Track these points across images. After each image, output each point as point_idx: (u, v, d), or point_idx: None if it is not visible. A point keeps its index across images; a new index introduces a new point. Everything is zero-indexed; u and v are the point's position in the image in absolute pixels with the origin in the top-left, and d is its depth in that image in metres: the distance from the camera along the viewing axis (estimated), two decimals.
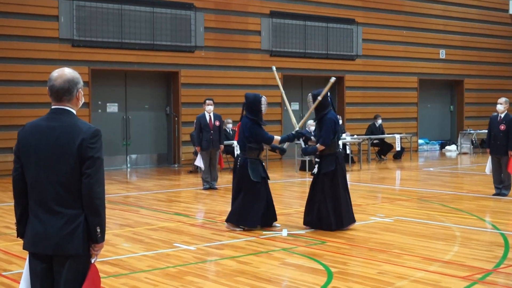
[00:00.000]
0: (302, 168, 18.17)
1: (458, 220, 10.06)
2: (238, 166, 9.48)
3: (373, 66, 24.41)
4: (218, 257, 7.77)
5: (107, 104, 19.39)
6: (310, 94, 9.57)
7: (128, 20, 18.85)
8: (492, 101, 15.06)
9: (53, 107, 3.97)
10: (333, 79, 9.53)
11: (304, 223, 9.51)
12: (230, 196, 9.81)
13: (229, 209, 9.84)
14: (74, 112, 3.99)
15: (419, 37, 25.73)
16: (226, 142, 16.35)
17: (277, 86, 21.66)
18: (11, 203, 4.09)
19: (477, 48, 27.66)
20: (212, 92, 19.67)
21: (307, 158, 17.85)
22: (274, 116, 21.96)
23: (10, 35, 17.24)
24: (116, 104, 19.56)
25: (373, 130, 21.99)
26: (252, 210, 9.32)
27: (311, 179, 9.61)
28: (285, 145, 9.80)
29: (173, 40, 19.72)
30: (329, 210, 9.18)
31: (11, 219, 9.94)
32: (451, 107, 28.12)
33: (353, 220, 9.38)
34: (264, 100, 9.62)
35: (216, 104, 14.98)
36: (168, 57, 19.65)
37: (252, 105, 9.55)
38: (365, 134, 21.92)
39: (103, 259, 7.56)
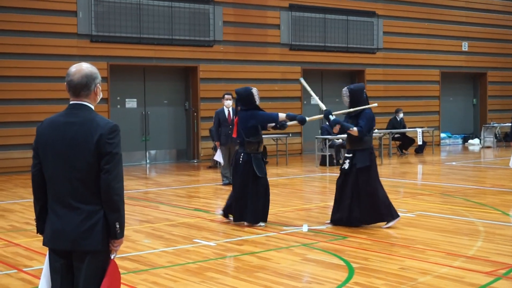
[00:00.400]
0: (323, 163, 18.13)
1: (481, 215, 9.99)
2: (241, 162, 9.43)
3: (394, 59, 24.28)
4: (238, 252, 7.78)
5: (126, 99, 19.48)
6: (346, 88, 9.39)
7: (147, 15, 18.91)
8: None
9: (71, 102, 3.99)
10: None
11: (332, 221, 9.29)
12: None
13: None
14: (92, 107, 4.01)
15: (441, 29, 25.54)
16: None
17: (296, 80, 21.66)
18: (31, 199, 4.17)
19: (500, 40, 27.41)
20: (231, 86, 19.64)
21: (327, 153, 17.81)
22: (295, 111, 21.85)
23: (28, 31, 17.35)
24: (135, 99, 19.64)
25: (394, 124, 21.88)
26: (266, 205, 9.38)
27: (338, 176, 9.39)
28: (288, 123, 9.72)
29: (191, 35, 19.74)
30: (363, 206, 8.98)
31: (31, 215, 10.03)
32: (474, 100, 27.90)
33: (393, 215, 9.11)
34: (255, 91, 9.62)
35: (234, 99, 14.96)
36: (186, 51, 19.69)
37: (246, 100, 9.56)
38: (386, 128, 21.82)
39: (123, 255, 7.60)
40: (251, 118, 9.45)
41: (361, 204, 9.02)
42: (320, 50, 22.40)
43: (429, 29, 25.19)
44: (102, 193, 3.84)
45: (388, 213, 9.08)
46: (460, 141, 26.24)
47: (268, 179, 9.61)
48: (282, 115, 9.62)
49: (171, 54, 19.44)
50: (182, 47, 19.59)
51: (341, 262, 7.13)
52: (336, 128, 9.17)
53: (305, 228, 9.09)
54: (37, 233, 4.10)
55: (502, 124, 24.60)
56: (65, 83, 3.99)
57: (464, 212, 10.27)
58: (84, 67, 3.98)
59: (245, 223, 9.40)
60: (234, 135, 9.77)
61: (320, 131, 19.06)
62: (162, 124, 20.04)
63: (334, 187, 14.26)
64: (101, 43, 18.24)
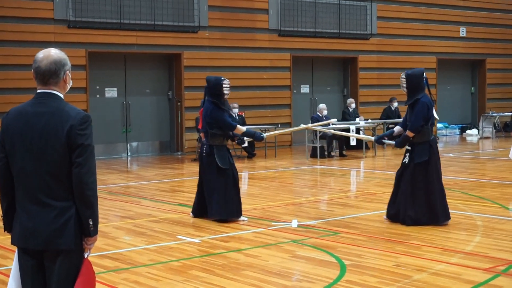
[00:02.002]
0: (313, 155, 18.14)
1: (480, 209, 10.02)
2: (204, 154, 9.50)
3: (388, 45, 24.29)
4: (224, 250, 7.77)
5: (106, 88, 19.39)
6: (403, 73, 9.10)
7: None
8: None
9: (38, 91, 3.90)
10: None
11: (388, 216, 9.18)
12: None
13: None
14: (62, 96, 3.93)
15: (438, 14, 25.58)
16: None
17: (286, 68, 21.64)
18: None
19: (500, 25, 27.47)
20: (217, 74, 19.58)
21: (318, 145, 17.83)
22: (284, 100, 21.93)
23: (2, 16, 17.23)
24: (115, 88, 19.55)
25: (388, 113, 21.91)
26: (236, 198, 9.42)
27: (399, 168, 9.19)
28: (245, 139, 9.92)
29: (175, 20, 19.67)
30: (418, 204, 8.84)
31: None
32: (472, 88, 27.98)
33: (448, 217, 8.96)
34: (226, 83, 9.61)
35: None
36: (170, 38, 19.61)
37: (213, 89, 9.58)
38: (380, 118, 21.85)
39: (103, 253, 7.58)
40: (211, 117, 9.47)
41: (416, 202, 8.86)
42: (310, 36, 22.37)
43: (425, 13, 25.22)
44: (74, 188, 3.75)
45: (444, 214, 8.93)
46: (457, 131, 26.32)
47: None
48: (241, 128, 9.66)
49: (153, 41, 19.36)
50: (165, 33, 19.51)
51: (333, 259, 7.13)
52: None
53: (294, 223, 9.08)
54: (4, 231, 4.04)
55: (501, 114, 24.70)
56: (32, 70, 3.92)
57: (461, 206, 10.30)
58: (53, 53, 3.90)
59: (212, 218, 9.43)
60: (199, 126, 9.82)
61: (310, 121, 19.04)
62: (144, 114, 19.97)
63: (325, 180, 14.39)
64: (79, 29, 18.13)
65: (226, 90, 9.57)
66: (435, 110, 9.48)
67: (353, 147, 19.41)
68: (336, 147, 18.90)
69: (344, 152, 18.54)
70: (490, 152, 20.23)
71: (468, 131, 26.03)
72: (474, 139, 24.48)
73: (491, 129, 24.67)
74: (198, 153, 9.75)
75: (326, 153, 18.30)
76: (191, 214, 9.89)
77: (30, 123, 3.81)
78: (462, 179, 13.45)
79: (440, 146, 21.65)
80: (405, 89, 9.07)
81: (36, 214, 3.79)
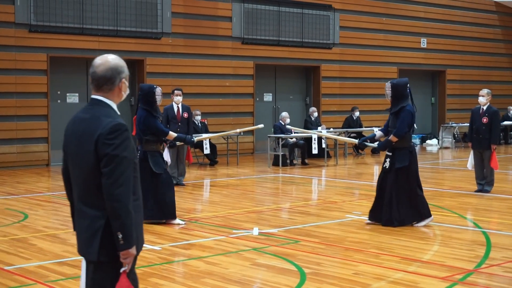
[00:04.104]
0: (275, 163, 18.21)
1: (438, 218, 10.15)
2: (138, 159, 9.61)
3: (350, 55, 24.51)
4: (184, 257, 7.76)
5: (67, 94, 19.22)
6: (388, 82, 9.58)
7: (90, 4, 18.69)
8: (475, 93, 15.20)
9: (91, 96, 3.88)
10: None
11: (370, 218, 9.60)
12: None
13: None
14: (112, 104, 3.85)
15: (399, 24, 25.90)
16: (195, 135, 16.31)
17: (249, 76, 21.69)
18: None
19: (460, 37, 27.91)
20: (180, 81, 19.63)
21: (280, 153, 17.90)
22: (247, 108, 21.97)
23: None
24: (77, 94, 19.40)
25: (350, 123, 22.10)
26: (166, 201, 9.67)
27: (380, 174, 9.66)
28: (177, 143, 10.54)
29: (138, 26, 19.60)
30: (403, 206, 9.34)
31: None
32: (433, 99, 28.36)
33: (429, 214, 9.53)
34: (158, 91, 9.92)
35: (184, 95, 14.94)
36: (132, 44, 19.53)
37: (146, 96, 9.85)
38: (342, 127, 22.02)
39: (62, 260, 7.52)
40: (144, 124, 9.74)
41: (400, 205, 9.35)
42: (274, 44, 22.47)
43: (387, 24, 25.51)
44: (105, 198, 3.66)
45: (426, 212, 9.50)
46: (418, 141, 26.60)
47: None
48: (172, 134, 10.08)
49: (115, 46, 19.25)
50: (127, 39, 19.43)
51: (293, 267, 7.17)
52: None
53: (255, 231, 9.10)
54: (74, 230, 4.08)
55: (460, 124, 25.06)
56: (89, 75, 3.88)
57: None
58: (110, 59, 3.83)
59: (147, 220, 9.61)
60: (133, 133, 10.03)
61: (273, 129, 19.12)
62: None
63: (286, 188, 14.44)
64: (40, 33, 17.96)
65: (158, 98, 9.90)
66: None
67: (314, 156, 19.53)
68: (298, 155, 18.99)
69: (306, 161, 18.64)
70: (450, 162, 20.50)
71: (428, 141, 26.35)
72: (434, 149, 24.79)
73: (450, 139, 25.01)
74: None
75: (288, 161, 18.38)
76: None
77: (74, 130, 3.83)
78: None
79: None
80: (389, 98, 9.53)
81: (78, 220, 3.84)
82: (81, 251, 3.80)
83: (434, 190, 13.45)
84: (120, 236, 3.63)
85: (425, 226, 9.51)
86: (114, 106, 3.86)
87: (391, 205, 9.37)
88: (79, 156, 3.75)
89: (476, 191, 12.86)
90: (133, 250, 3.70)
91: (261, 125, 12.84)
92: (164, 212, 9.71)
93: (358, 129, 21.90)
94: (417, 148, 25.01)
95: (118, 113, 3.87)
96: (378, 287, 6.42)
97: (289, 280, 6.68)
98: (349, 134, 21.63)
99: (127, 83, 3.91)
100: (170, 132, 9.95)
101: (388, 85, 9.55)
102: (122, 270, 3.73)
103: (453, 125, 25.17)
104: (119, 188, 3.63)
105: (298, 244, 8.36)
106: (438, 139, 25.73)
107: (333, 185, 14.88)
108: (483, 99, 12.74)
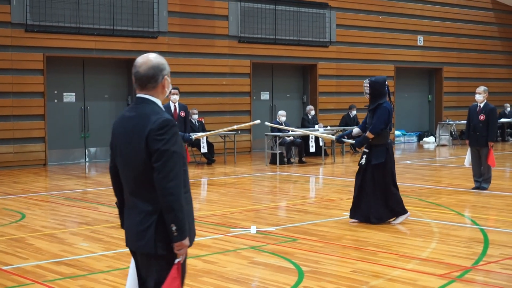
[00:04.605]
0: (273, 161, 18.20)
1: (436, 216, 10.16)
2: None
3: (347, 53, 24.51)
4: None
5: (64, 93, 19.20)
6: (367, 80, 9.63)
7: (86, 3, 18.67)
8: (472, 90, 15.25)
9: (136, 95, 4.00)
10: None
11: (351, 217, 9.64)
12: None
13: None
14: (157, 101, 3.98)
15: (396, 22, 25.90)
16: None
17: (246, 74, 21.69)
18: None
19: (456, 35, 27.93)
20: (177, 80, 19.58)
21: (278, 151, 17.90)
22: (244, 107, 21.96)
23: None
24: (74, 93, 19.38)
25: (347, 121, 22.11)
26: None
27: (358, 171, 9.69)
28: None
29: (134, 25, 19.58)
30: (380, 203, 9.39)
31: None
32: (429, 96, 28.38)
33: (405, 211, 9.56)
34: None
35: (181, 94, 14.92)
36: (129, 43, 19.52)
37: None
38: (339, 126, 22.03)
39: (59, 260, 7.51)
40: None
41: (377, 202, 9.41)
42: (270, 43, 22.46)
43: (384, 22, 25.51)
44: (157, 193, 3.80)
45: (400, 210, 9.52)
46: (415, 139, 26.64)
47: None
48: None
49: (112, 46, 19.24)
50: (124, 38, 19.41)
51: (291, 266, 7.17)
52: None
53: (253, 230, 9.10)
54: (121, 227, 4.20)
55: (457, 122, 25.07)
56: (132, 74, 3.99)
57: (418, 212, 10.42)
58: (152, 58, 3.97)
59: None
60: None
61: (270, 128, 19.11)
62: (102, 120, 19.81)
63: (284, 186, 14.44)
64: (36, 33, 17.93)
65: None
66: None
67: (312, 154, 19.52)
68: (295, 153, 18.99)
69: (303, 159, 18.64)
70: (447, 159, 20.51)
71: (425, 139, 26.37)
72: (431, 146, 24.80)
73: (447, 136, 25.02)
74: None
75: (285, 159, 18.38)
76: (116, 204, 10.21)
77: (123, 128, 3.93)
78: (419, 186, 13.62)
79: (397, 153, 21.92)
80: (368, 95, 9.59)
81: (129, 215, 3.94)
82: (133, 245, 3.92)
83: (431, 187, 13.45)
84: (174, 228, 3.78)
85: (422, 223, 9.52)
86: (159, 102, 4.00)
87: (368, 202, 9.44)
88: (130, 153, 3.88)
89: (473, 189, 12.87)
90: (186, 242, 3.85)
91: (258, 121, 12.90)
92: None
93: (355, 127, 21.85)
94: (414, 146, 25.03)
95: (164, 109, 4.01)
96: (376, 284, 6.42)
97: (287, 278, 6.67)
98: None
99: (169, 80, 4.04)
100: None
101: (366, 82, 9.62)
102: (176, 261, 3.88)
103: (450, 122, 25.18)
104: (171, 182, 3.76)
105: (296, 242, 8.36)
106: (435, 137, 25.74)
107: (330, 183, 14.89)
108: (480, 97, 12.75)
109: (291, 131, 16.25)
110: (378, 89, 9.52)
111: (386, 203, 9.42)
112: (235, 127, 12.98)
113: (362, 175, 9.56)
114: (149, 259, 3.89)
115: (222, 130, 14.79)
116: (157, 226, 3.82)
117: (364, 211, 9.47)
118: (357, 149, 21.98)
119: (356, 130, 9.96)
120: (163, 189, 3.76)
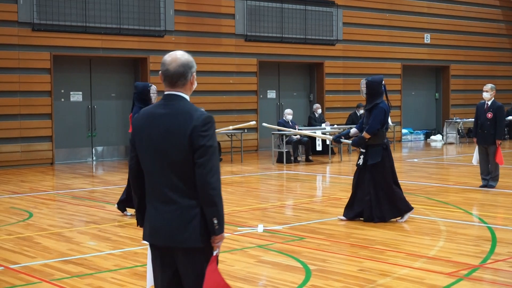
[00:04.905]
0: (279, 160, 18.19)
1: (443, 214, 10.14)
2: None
3: (354, 51, 24.47)
4: None
5: (71, 92, 19.23)
6: (364, 80, 9.71)
7: (93, 2, 18.69)
8: (479, 88, 15.19)
9: (166, 93, 4.02)
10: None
11: (345, 215, 9.65)
12: None
13: None
14: (187, 97, 4.03)
15: (403, 20, 25.85)
16: None
17: (252, 73, 21.68)
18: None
19: (463, 32, 27.85)
20: None
21: (285, 150, 17.89)
22: (250, 105, 21.96)
23: None
24: (80, 92, 19.41)
25: (354, 119, 22.03)
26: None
27: (356, 171, 9.70)
28: None
29: (141, 24, 19.60)
30: (383, 203, 9.39)
31: None
32: (437, 94, 28.31)
33: (410, 208, 9.55)
34: (153, 89, 10.08)
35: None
36: (135, 42, 19.53)
37: (141, 94, 10.01)
38: (346, 124, 21.98)
39: (67, 258, 7.53)
40: None
41: (380, 201, 9.40)
42: (277, 41, 22.44)
43: (390, 20, 25.46)
44: (198, 188, 3.86)
45: (406, 207, 9.51)
46: (422, 137, 26.59)
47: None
48: None
49: (119, 45, 19.27)
50: (131, 37, 19.43)
51: (298, 264, 7.16)
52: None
53: (260, 228, 9.10)
54: (137, 225, 4.20)
55: (465, 120, 25.01)
56: (160, 73, 4.03)
57: (425, 211, 10.41)
58: (180, 56, 4.05)
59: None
60: (130, 130, 10.11)
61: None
62: (109, 119, 19.85)
63: (291, 185, 14.44)
64: (43, 32, 17.96)
65: (153, 96, 10.03)
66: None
67: (319, 153, 19.51)
68: (302, 152, 18.97)
69: (310, 157, 18.63)
70: (454, 157, 20.47)
71: (432, 137, 26.32)
72: (438, 144, 24.75)
73: (455, 134, 24.96)
74: None
75: (292, 158, 18.37)
76: (115, 205, 10.46)
77: (155, 124, 3.93)
78: (426, 184, 13.59)
79: (404, 151, 21.88)
80: (365, 95, 9.69)
81: (163, 211, 3.92)
82: (170, 240, 3.90)
83: (439, 185, 13.43)
84: (215, 221, 3.85)
85: (430, 222, 9.50)
86: (188, 99, 4.03)
87: (370, 202, 9.43)
88: (168, 149, 3.87)
89: (481, 187, 12.83)
90: (224, 234, 3.93)
91: (253, 122, 13.00)
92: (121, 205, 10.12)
93: (353, 127, 21.81)
94: (421, 144, 24.98)
95: None
96: (384, 283, 6.41)
97: (294, 277, 6.67)
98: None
99: (195, 76, 4.11)
100: None
101: (363, 82, 9.68)
102: (215, 253, 3.94)
103: (458, 120, 25.12)
104: (214, 177, 3.86)
105: (303, 241, 8.36)
106: (442, 135, 25.69)
107: (337, 182, 14.88)
108: (487, 94, 12.72)
109: (289, 131, 16.27)
110: (375, 89, 9.58)
111: (391, 203, 9.41)
112: (230, 127, 13.08)
113: (358, 175, 9.60)
114: (190, 253, 3.91)
115: (219, 130, 14.79)
116: (200, 220, 3.88)
117: (365, 211, 9.47)
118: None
119: (353, 130, 10.02)
120: (207, 183, 3.83)
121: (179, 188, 3.88)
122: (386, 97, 9.68)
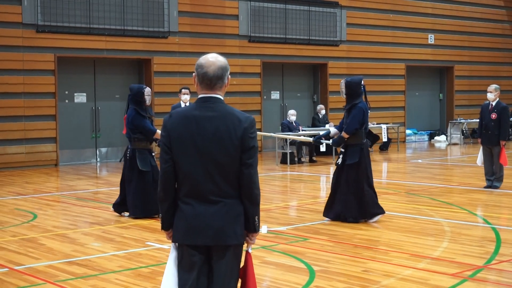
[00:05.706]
0: (283, 161, 18.20)
1: (448, 215, 10.14)
2: (127, 157, 10.14)
3: (358, 52, 24.46)
4: None
5: (75, 94, 19.26)
6: (343, 80, 9.86)
7: (97, 4, 18.71)
8: (483, 89, 15.19)
9: (203, 95, 4.05)
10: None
11: (325, 215, 9.74)
12: None
13: None
14: (223, 99, 4.08)
15: (407, 21, 25.82)
16: None
17: (256, 74, 21.68)
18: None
19: (467, 33, 27.82)
20: (187, 80, 19.62)
21: (288, 151, 17.90)
22: (254, 106, 21.96)
23: None
24: (84, 93, 19.44)
25: None
26: (149, 199, 9.95)
27: (335, 170, 9.79)
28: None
29: (145, 25, 19.62)
30: (354, 202, 9.44)
31: None
32: (441, 95, 28.28)
33: (381, 211, 9.59)
34: (147, 91, 10.22)
35: (192, 93, 14.93)
36: (139, 43, 19.56)
37: (136, 96, 10.19)
38: None
39: (71, 260, 7.54)
40: (132, 124, 10.07)
41: (352, 201, 9.46)
42: (280, 42, 22.45)
43: (394, 20, 25.45)
44: (243, 187, 3.97)
45: (375, 211, 9.55)
46: (426, 137, 26.57)
47: None
48: (159, 132, 10.21)
49: (123, 46, 19.29)
50: (135, 38, 19.45)
51: (302, 265, 7.17)
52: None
53: (264, 229, 9.06)
54: (162, 229, 4.12)
55: (469, 120, 24.98)
56: (196, 75, 4.06)
57: (429, 211, 10.41)
58: (219, 59, 4.08)
59: (131, 216, 10.13)
60: (124, 132, 10.26)
61: (280, 127, 19.11)
62: (113, 120, 19.87)
63: (295, 186, 14.45)
64: (47, 33, 18.00)
65: (147, 98, 10.19)
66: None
67: (322, 153, 19.51)
68: (306, 153, 18.98)
69: (314, 158, 18.63)
70: (458, 158, 20.44)
71: (436, 138, 26.28)
72: (443, 145, 24.73)
73: (459, 135, 24.94)
74: (123, 155, 10.25)
75: (296, 159, 18.37)
76: (112, 208, 10.54)
77: (200, 127, 3.95)
78: (430, 185, 13.58)
79: (409, 152, 21.87)
80: (344, 95, 9.82)
81: (206, 211, 3.95)
82: (213, 239, 3.93)
83: (443, 186, 13.42)
84: (256, 219, 4.04)
85: (434, 222, 9.50)
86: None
87: (346, 201, 9.49)
88: (217, 151, 3.91)
89: (485, 187, 12.82)
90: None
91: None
92: (145, 210, 10.07)
93: (333, 127, 21.79)
94: (425, 145, 24.96)
95: None
96: (388, 284, 6.41)
97: (298, 277, 6.67)
98: None
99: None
100: (158, 131, 10.07)
101: (342, 82, 9.82)
102: (250, 250, 4.11)
103: (462, 121, 25.09)
104: (257, 177, 4.03)
105: (307, 242, 8.36)
106: (446, 136, 25.65)
107: None
108: (491, 95, 12.71)
109: (270, 135, 16.39)
110: (354, 89, 9.70)
111: (360, 204, 9.46)
112: None
113: (337, 174, 9.67)
114: (230, 250, 3.97)
115: None
116: (243, 218, 4.00)
117: (341, 210, 9.55)
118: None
119: (333, 130, 10.10)
120: (254, 183, 3.97)
121: (223, 189, 3.94)
122: (365, 97, 9.80)
